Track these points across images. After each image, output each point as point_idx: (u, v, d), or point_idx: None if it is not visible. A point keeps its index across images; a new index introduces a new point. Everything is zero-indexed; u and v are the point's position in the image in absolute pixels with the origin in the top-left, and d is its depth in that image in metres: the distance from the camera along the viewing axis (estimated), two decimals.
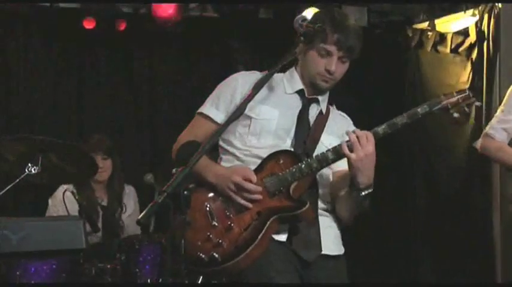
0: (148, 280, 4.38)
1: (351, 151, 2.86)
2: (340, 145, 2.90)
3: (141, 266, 4.41)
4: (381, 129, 2.95)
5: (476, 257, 5.38)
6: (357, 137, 2.86)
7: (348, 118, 3.28)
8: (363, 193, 2.92)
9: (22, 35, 5.78)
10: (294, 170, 2.93)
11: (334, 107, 3.25)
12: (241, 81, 3.09)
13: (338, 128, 3.14)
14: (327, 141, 3.07)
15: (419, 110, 2.97)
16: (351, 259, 3.18)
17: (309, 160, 2.94)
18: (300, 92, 3.10)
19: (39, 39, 5.84)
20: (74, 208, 4.50)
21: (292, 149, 3.01)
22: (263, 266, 2.89)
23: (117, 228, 4.94)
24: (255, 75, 3.10)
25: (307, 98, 3.10)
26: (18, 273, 3.92)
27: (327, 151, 2.93)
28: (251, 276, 2.91)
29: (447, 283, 5.46)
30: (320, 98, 3.13)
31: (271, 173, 2.95)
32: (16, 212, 5.14)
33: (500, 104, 4.30)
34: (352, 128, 3.19)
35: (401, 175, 5.97)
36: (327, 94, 3.17)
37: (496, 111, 4.24)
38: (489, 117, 4.77)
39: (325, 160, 2.93)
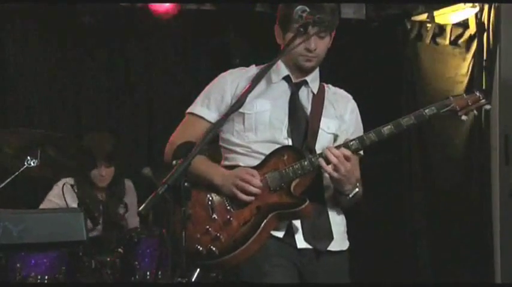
0: (148, 273, 4.40)
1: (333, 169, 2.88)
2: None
3: (140, 259, 4.43)
4: (386, 129, 2.95)
5: (474, 251, 5.37)
6: (336, 157, 2.87)
7: (345, 95, 3.24)
8: (350, 196, 2.97)
9: (19, 30, 5.76)
10: (296, 166, 2.92)
11: (330, 86, 3.22)
12: (230, 80, 3.10)
13: (336, 110, 3.13)
14: (326, 127, 3.07)
15: (426, 111, 2.95)
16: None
17: (311, 157, 2.93)
18: (286, 79, 3.10)
19: (36, 34, 5.82)
20: (72, 201, 4.50)
21: (294, 145, 3.00)
22: (259, 261, 2.89)
23: (117, 222, 4.93)
24: (243, 72, 3.13)
25: (294, 83, 3.09)
26: (18, 265, 3.94)
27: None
28: (247, 270, 2.91)
29: (447, 282, 5.45)
30: (308, 78, 3.11)
31: (274, 168, 2.95)
32: (14, 206, 5.12)
33: (500, 96, 4.25)
34: (350, 105, 3.20)
35: (398, 168, 5.96)
36: (317, 73, 3.15)
37: (495, 104, 4.21)
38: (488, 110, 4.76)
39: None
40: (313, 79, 3.13)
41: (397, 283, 5.67)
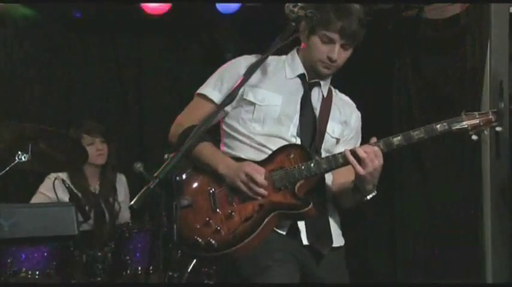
0: (139, 268, 4.39)
1: (360, 165, 2.86)
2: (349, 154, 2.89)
3: (131, 254, 4.42)
4: (396, 140, 2.93)
5: (465, 248, 5.37)
6: (366, 153, 2.86)
7: (351, 103, 3.26)
8: (367, 197, 2.96)
9: (10, 24, 5.74)
10: (302, 167, 2.90)
11: (337, 90, 3.23)
12: (245, 66, 3.02)
13: (341, 115, 3.14)
14: (331, 130, 3.07)
15: (438, 127, 2.94)
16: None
17: (318, 159, 2.92)
18: (301, 76, 3.08)
19: (28, 27, 5.81)
20: (64, 196, 4.49)
21: (301, 143, 2.98)
22: (260, 255, 2.88)
23: (110, 215, 4.92)
24: (257, 59, 3.04)
25: (308, 83, 3.07)
26: (9, 260, 3.92)
27: (338, 154, 2.92)
28: (247, 263, 2.90)
29: (441, 283, 5.45)
30: (322, 82, 3.10)
31: (280, 166, 2.93)
32: (6, 201, 5.12)
33: (490, 90, 4.25)
34: (356, 113, 3.21)
35: (390, 164, 5.94)
36: (329, 78, 3.15)
37: (485, 99, 4.20)
38: (481, 104, 4.77)
39: (336, 163, 2.92)
40: (326, 83, 3.13)
41: (387, 283, 5.68)
